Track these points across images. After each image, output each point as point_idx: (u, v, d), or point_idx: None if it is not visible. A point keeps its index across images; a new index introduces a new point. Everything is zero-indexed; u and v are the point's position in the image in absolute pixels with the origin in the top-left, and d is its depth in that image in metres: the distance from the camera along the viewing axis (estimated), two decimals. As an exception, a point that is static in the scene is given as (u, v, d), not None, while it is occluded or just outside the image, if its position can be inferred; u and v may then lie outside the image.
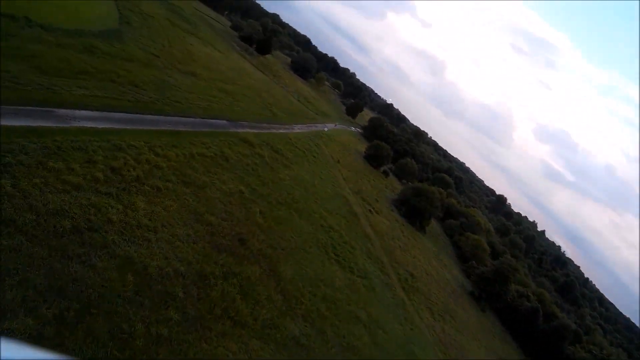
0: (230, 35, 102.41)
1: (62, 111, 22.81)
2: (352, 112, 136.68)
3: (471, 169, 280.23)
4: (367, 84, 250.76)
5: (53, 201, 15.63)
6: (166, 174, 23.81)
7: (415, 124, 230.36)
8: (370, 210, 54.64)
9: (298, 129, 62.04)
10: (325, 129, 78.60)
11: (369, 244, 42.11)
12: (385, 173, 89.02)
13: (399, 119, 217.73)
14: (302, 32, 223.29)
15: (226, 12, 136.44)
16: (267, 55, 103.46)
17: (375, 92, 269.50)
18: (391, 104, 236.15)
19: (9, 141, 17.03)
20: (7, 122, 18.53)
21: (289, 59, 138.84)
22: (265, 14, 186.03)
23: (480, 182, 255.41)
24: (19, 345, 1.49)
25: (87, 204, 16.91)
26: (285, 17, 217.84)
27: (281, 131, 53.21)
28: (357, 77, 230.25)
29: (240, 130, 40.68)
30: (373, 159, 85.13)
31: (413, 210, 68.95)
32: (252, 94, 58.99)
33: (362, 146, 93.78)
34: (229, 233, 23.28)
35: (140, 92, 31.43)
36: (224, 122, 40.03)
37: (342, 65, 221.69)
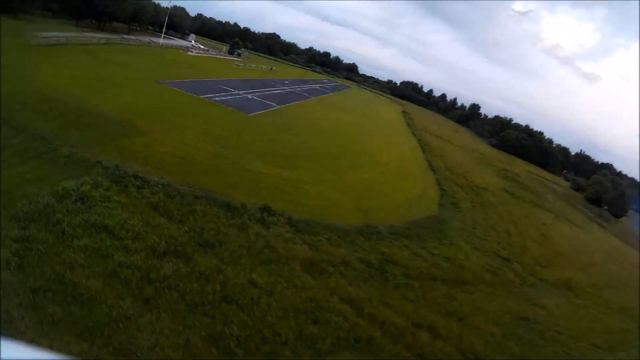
0: (573, 197, 75.99)
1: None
2: None
3: None
4: None
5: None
6: None
7: None
8: None
9: None
10: None
11: None
12: None
13: None
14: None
15: (564, 171, 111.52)
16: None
17: None
18: None
19: None
20: None
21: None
22: (600, 165, 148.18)
23: None
24: (19, 345, 1.43)
25: None
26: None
27: None
28: None
29: None
30: None
31: None
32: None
33: None
34: None
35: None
36: None
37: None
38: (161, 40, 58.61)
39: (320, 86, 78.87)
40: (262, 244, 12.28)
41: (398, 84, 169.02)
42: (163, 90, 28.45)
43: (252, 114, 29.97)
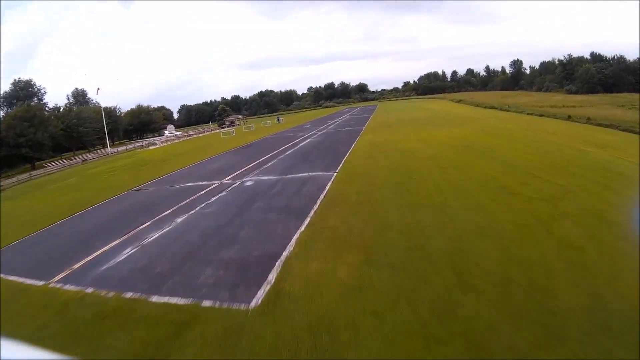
0: None
1: None
2: None
3: None
4: None
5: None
6: None
7: None
8: None
9: None
10: None
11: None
12: None
13: None
14: None
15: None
16: None
17: None
18: None
19: None
20: None
21: None
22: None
23: None
24: (19, 345, 1.40)
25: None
26: None
27: None
28: None
29: None
30: None
31: None
32: None
33: None
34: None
35: None
36: None
37: None
38: (108, 151, 38.57)
39: (349, 115, 57.12)
40: None
41: (417, 81, 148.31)
42: None
43: (262, 289, 7.05)
